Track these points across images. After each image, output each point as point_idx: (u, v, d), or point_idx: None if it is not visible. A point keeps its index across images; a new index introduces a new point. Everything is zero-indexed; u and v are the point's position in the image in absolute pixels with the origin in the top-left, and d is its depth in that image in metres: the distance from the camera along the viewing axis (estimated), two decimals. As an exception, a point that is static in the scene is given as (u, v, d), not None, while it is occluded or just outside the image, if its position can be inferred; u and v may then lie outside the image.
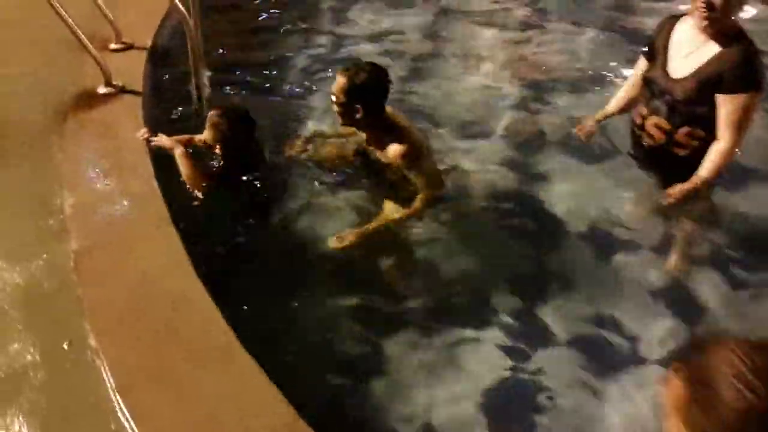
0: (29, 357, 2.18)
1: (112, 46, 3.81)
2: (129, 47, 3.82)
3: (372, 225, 2.79)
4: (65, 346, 2.19)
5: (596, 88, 4.08)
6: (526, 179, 3.36)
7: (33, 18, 4.21)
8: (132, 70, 3.60)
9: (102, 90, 3.41)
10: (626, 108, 3.20)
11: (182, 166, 2.82)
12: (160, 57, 3.90)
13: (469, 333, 2.52)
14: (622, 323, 2.57)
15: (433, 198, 2.88)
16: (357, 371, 2.38)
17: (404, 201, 2.84)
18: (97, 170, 2.87)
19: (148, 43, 3.88)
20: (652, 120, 2.85)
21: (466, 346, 2.47)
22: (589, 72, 4.27)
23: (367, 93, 2.68)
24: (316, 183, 3.09)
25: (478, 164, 3.43)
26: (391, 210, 2.87)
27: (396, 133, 2.78)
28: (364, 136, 2.92)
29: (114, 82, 3.42)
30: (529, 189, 3.28)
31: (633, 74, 3.11)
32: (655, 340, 2.51)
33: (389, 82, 2.76)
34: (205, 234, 2.81)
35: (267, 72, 4.21)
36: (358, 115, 2.71)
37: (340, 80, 2.68)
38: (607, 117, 3.26)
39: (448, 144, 3.52)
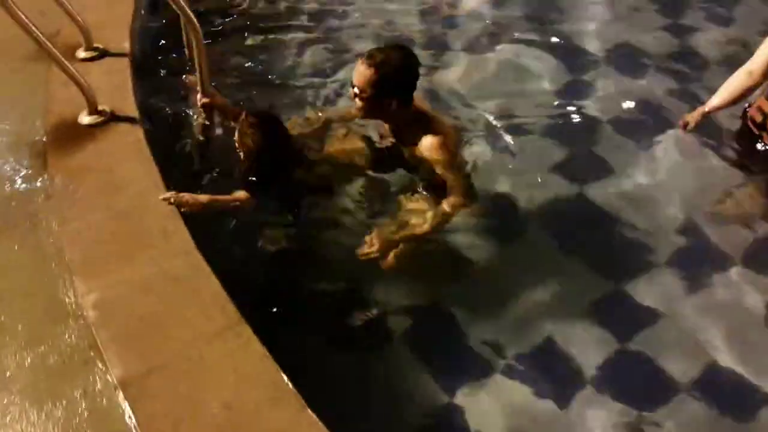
0: None
1: (81, 54, 2.87)
2: (103, 55, 2.91)
3: (400, 235, 2.38)
4: None
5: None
6: (588, 179, 2.87)
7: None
8: (117, 86, 2.72)
9: (86, 120, 2.53)
10: (742, 99, 2.80)
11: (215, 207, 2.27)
12: (146, 66, 3.02)
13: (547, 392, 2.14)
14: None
15: (467, 201, 2.47)
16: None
17: (433, 202, 2.45)
18: (114, 246, 2.09)
19: (126, 47, 2.97)
20: None
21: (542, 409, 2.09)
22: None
23: (399, 84, 2.30)
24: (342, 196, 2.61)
25: (526, 165, 2.94)
26: (417, 214, 2.45)
27: (426, 123, 2.40)
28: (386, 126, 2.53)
29: (100, 107, 2.56)
30: (594, 192, 2.81)
31: (758, 58, 2.67)
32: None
33: (419, 65, 2.37)
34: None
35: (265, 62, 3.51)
36: (389, 109, 2.33)
37: (366, 71, 2.24)
38: (718, 108, 2.85)
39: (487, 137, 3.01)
